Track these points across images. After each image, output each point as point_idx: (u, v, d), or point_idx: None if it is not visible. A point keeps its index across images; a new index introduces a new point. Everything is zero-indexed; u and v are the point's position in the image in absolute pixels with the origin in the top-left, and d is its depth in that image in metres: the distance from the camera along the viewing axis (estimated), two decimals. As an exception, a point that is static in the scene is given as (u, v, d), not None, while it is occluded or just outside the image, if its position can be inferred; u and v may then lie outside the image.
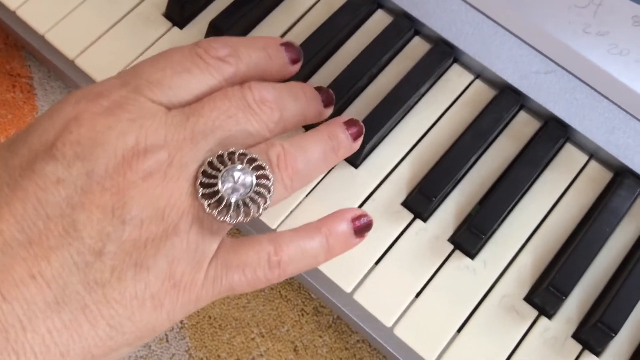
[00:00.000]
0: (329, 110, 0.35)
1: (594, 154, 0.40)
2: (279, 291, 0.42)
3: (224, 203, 0.27)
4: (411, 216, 0.38)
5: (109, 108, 0.27)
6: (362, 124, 0.34)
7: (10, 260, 0.24)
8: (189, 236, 0.26)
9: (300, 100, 0.32)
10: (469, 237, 0.37)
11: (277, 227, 0.37)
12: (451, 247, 0.37)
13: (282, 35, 0.42)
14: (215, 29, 0.40)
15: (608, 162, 0.40)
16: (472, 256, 0.37)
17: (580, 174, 0.40)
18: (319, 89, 0.35)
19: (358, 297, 0.36)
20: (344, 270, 0.37)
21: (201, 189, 0.27)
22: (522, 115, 0.41)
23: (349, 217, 0.31)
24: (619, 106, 0.39)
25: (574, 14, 0.40)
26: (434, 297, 0.36)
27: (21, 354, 0.23)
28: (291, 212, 0.37)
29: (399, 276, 0.37)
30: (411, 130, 0.40)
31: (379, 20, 0.43)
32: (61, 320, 0.24)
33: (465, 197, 0.39)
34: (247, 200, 0.27)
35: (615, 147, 0.39)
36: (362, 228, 0.32)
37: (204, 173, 0.27)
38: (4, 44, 0.48)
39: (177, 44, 0.41)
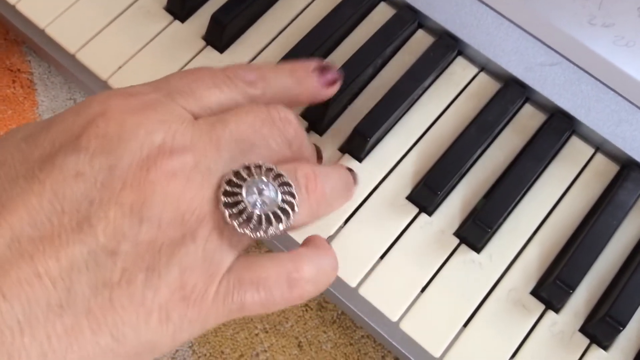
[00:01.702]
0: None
1: (600, 146, 0.40)
2: (283, 287, 0.42)
3: (245, 215, 0.26)
4: (416, 210, 0.38)
5: (139, 107, 0.26)
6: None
7: (16, 256, 0.23)
8: (206, 245, 0.25)
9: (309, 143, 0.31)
10: (475, 231, 0.36)
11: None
12: (457, 241, 0.37)
13: (285, 28, 0.42)
14: (217, 22, 0.40)
15: (614, 154, 0.39)
16: (478, 250, 0.37)
17: (586, 167, 0.39)
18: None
19: (363, 291, 0.36)
20: (349, 264, 0.36)
21: (224, 197, 0.26)
22: (528, 108, 0.40)
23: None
24: (626, 98, 0.39)
25: (579, 5, 0.40)
26: (440, 291, 0.36)
27: None
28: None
29: (404, 271, 0.36)
30: (415, 123, 0.40)
31: (381, 13, 0.42)
32: (63, 324, 0.23)
33: (470, 191, 0.38)
34: (270, 215, 0.26)
35: (622, 139, 0.38)
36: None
37: (229, 182, 0.26)
38: (4, 39, 0.47)
39: (178, 37, 0.41)
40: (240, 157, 0.27)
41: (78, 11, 0.41)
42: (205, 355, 0.40)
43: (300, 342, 0.41)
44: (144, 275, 0.24)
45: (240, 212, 0.26)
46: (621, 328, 0.34)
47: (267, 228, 0.26)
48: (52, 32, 0.41)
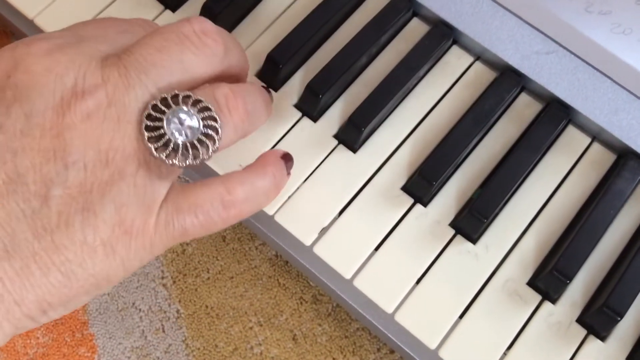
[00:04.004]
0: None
1: (597, 135, 0.39)
2: (277, 279, 0.41)
3: (171, 146, 0.27)
4: (411, 201, 0.37)
5: (49, 49, 0.26)
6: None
7: None
8: (136, 180, 0.26)
9: (240, 48, 0.32)
10: (471, 222, 0.36)
11: (275, 213, 0.36)
12: (452, 231, 0.37)
13: (278, 17, 0.41)
14: (209, 11, 0.39)
15: (611, 143, 0.39)
16: (473, 241, 0.37)
17: (583, 156, 0.39)
18: None
19: (358, 283, 0.35)
20: (343, 256, 0.36)
21: (147, 132, 0.26)
22: (524, 97, 0.40)
23: (281, 154, 0.33)
24: (623, 86, 0.38)
25: (576, -7, 0.39)
26: (436, 282, 0.36)
27: None
28: (289, 197, 0.36)
29: (399, 262, 0.36)
30: (410, 113, 0.39)
31: (376, 1, 0.42)
32: (12, 268, 0.24)
33: (466, 181, 0.38)
34: (195, 142, 0.27)
35: (619, 128, 0.38)
36: (291, 165, 0.34)
37: (149, 116, 0.26)
38: (-7, 31, 0.47)
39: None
40: (155, 85, 0.27)
41: (67, 1, 0.41)
42: (198, 349, 0.40)
43: (295, 335, 0.40)
44: (81, 216, 0.25)
45: (166, 145, 0.26)
46: (619, 318, 0.34)
47: (194, 155, 0.27)
48: (41, 22, 0.40)
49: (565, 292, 0.36)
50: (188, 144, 0.27)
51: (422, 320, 0.35)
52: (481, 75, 0.40)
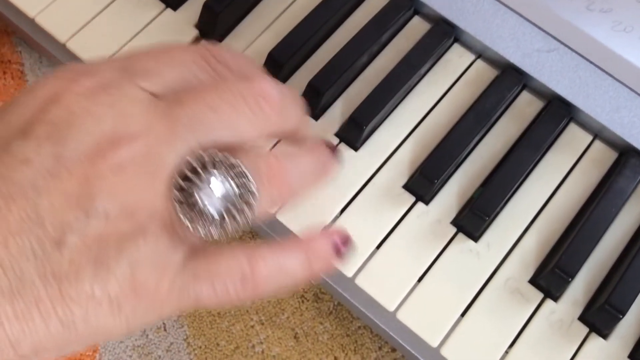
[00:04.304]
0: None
1: (598, 133, 0.39)
2: (279, 278, 0.41)
3: (199, 213, 0.25)
4: (413, 199, 0.37)
5: (91, 89, 0.25)
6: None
7: None
8: (157, 240, 0.25)
9: (299, 106, 0.29)
10: (472, 220, 0.36)
11: (276, 212, 0.36)
12: (454, 230, 0.37)
13: (279, 16, 0.41)
14: (210, 10, 0.39)
15: (613, 141, 0.39)
16: (475, 239, 0.37)
17: (584, 154, 0.39)
18: None
19: (359, 281, 0.35)
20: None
21: (177, 193, 0.25)
22: (525, 95, 0.40)
23: (334, 238, 0.29)
24: (624, 84, 0.38)
25: (577, -9, 0.39)
26: (437, 280, 0.36)
27: None
28: (290, 196, 0.36)
29: (401, 260, 0.36)
30: (412, 111, 0.39)
31: (377, 0, 0.42)
32: (13, 310, 0.23)
33: (467, 179, 0.38)
34: (224, 214, 0.25)
35: (620, 126, 0.38)
36: (345, 251, 0.29)
37: (183, 176, 0.25)
38: (-6, 30, 0.47)
39: (170, 26, 0.40)
40: (197, 141, 0.25)
41: (68, 0, 0.41)
42: (200, 347, 0.40)
43: (296, 333, 0.40)
44: (93, 267, 0.24)
45: (194, 210, 0.25)
46: (621, 316, 0.34)
47: (221, 225, 0.25)
48: (42, 21, 0.40)
49: (567, 290, 0.36)
50: (217, 215, 0.25)
51: (423, 319, 0.35)
52: (482, 73, 0.40)
